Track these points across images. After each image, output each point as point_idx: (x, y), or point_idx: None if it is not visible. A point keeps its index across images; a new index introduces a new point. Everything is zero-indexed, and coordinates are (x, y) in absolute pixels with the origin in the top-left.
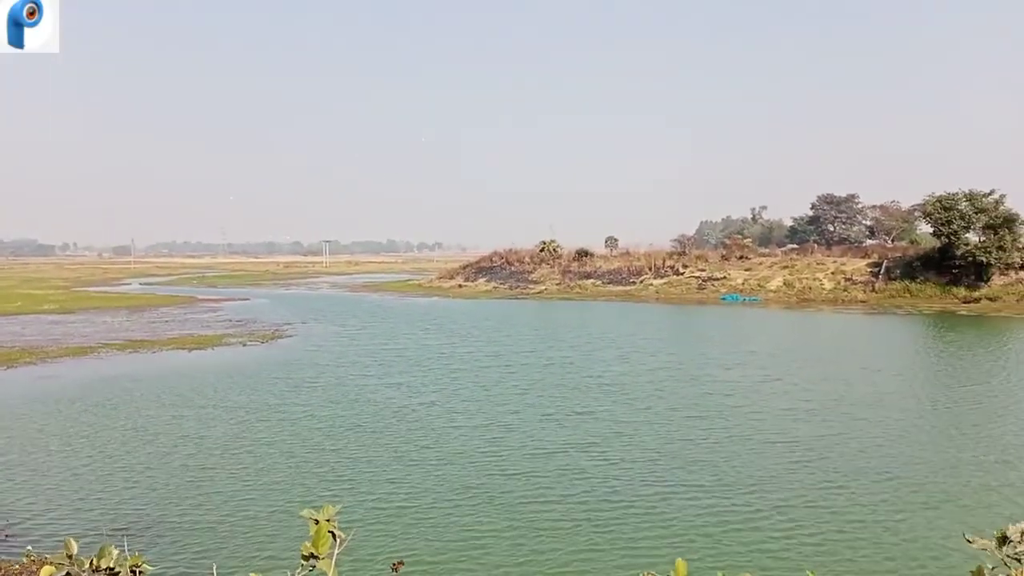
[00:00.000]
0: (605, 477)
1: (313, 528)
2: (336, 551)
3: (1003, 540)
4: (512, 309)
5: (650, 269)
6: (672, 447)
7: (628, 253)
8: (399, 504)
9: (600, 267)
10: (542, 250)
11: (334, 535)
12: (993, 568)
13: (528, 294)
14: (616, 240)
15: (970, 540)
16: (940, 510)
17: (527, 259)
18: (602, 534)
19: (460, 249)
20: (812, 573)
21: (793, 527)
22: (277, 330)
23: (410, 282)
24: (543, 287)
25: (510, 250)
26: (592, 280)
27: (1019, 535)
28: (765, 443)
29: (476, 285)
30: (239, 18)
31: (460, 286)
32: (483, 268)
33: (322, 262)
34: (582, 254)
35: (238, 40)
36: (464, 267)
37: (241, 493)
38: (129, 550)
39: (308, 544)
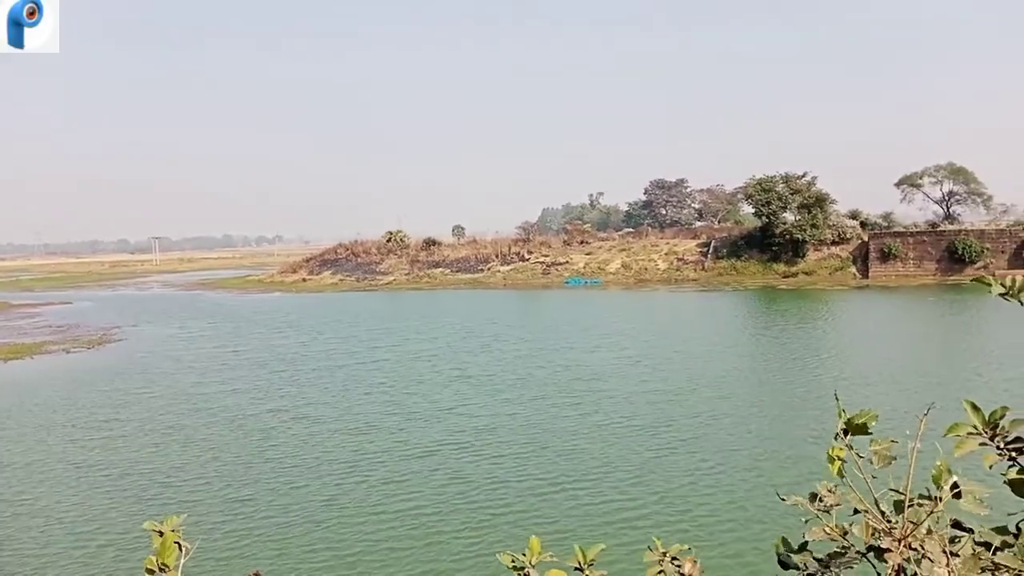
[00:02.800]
0: (481, 477)
1: (157, 540)
2: (182, 561)
3: (814, 497)
4: (362, 302)
5: (497, 256)
6: (546, 438)
7: (475, 241)
8: (254, 523)
9: (448, 256)
10: (389, 240)
11: (180, 545)
12: (807, 521)
13: (377, 285)
14: (463, 229)
15: (783, 498)
16: (803, 487)
17: (374, 250)
18: (482, 539)
19: (303, 242)
20: (657, 540)
21: (675, 514)
22: (104, 335)
23: (250, 278)
24: (392, 278)
25: (356, 241)
26: (441, 269)
27: (827, 491)
28: (638, 428)
29: (321, 278)
30: None
31: (304, 280)
32: (328, 261)
33: (152, 260)
34: (430, 243)
35: None
36: (308, 260)
37: (74, 522)
38: None
39: (153, 558)
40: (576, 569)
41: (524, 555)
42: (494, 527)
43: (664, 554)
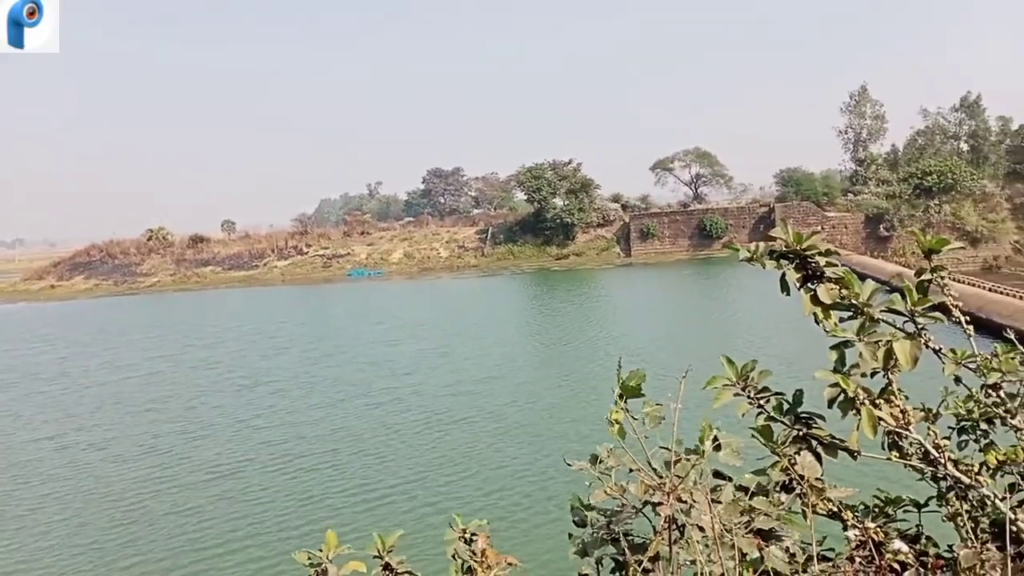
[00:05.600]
0: (289, 495)
1: None
2: None
3: (595, 459)
4: (125, 307)
5: (273, 251)
6: (359, 442)
7: (248, 236)
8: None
9: (219, 253)
10: (150, 239)
11: None
12: (590, 484)
13: (139, 288)
14: (234, 223)
15: (569, 464)
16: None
17: (133, 250)
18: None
19: (48, 245)
20: (458, 516)
21: (510, 507)
22: None
23: None
24: (155, 279)
25: (112, 241)
26: (211, 267)
27: (606, 454)
28: (456, 422)
29: (73, 284)
30: None
31: (53, 287)
32: (80, 264)
33: None
34: (197, 240)
35: None
36: (56, 264)
37: None
38: None
39: None
40: (375, 557)
41: (320, 551)
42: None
43: (464, 530)
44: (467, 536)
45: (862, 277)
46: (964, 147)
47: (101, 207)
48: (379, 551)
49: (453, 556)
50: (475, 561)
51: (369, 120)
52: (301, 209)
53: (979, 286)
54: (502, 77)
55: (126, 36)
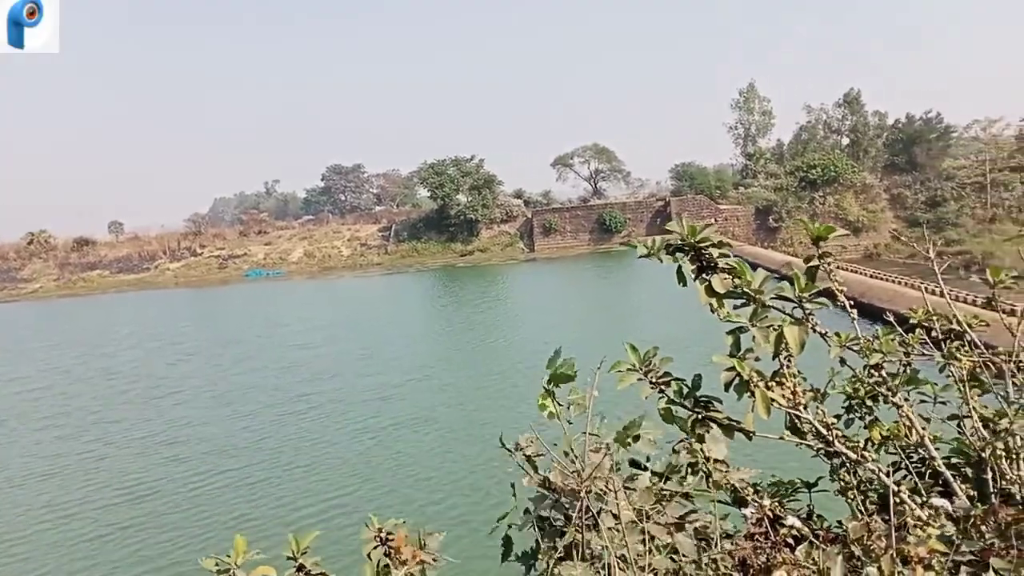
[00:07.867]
0: (216, 516)
1: None
2: None
3: (517, 446)
4: (5, 316)
5: (165, 253)
6: (289, 455)
7: (138, 237)
8: None
9: (106, 255)
10: (31, 242)
11: None
12: (512, 471)
13: (19, 295)
14: (122, 225)
15: (509, 450)
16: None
17: (12, 255)
18: None
19: None
20: (373, 516)
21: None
22: None
23: None
24: (37, 285)
25: None
26: (99, 271)
27: (527, 443)
28: (393, 426)
29: None
30: None
31: None
32: None
33: None
34: (82, 243)
35: None
36: None
37: None
38: None
39: None
40: (289, 558)
41: (229, 556)
42: None
43: (380, 529)
44: (383, 536)
45: (754, 266)
46: (845, 141)
47: None
48: (293, 553)
49: (368, 556)
50: (391, 558)
51: (265, 117)
52: (194, 209)
53: (862, 273)
54: (401, 74)
55: None
